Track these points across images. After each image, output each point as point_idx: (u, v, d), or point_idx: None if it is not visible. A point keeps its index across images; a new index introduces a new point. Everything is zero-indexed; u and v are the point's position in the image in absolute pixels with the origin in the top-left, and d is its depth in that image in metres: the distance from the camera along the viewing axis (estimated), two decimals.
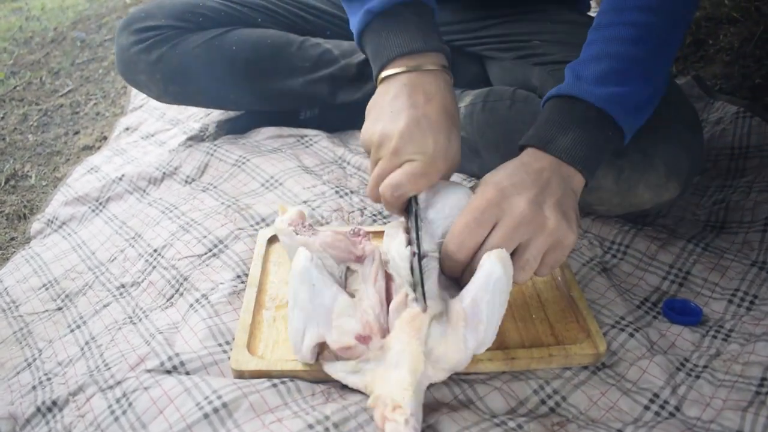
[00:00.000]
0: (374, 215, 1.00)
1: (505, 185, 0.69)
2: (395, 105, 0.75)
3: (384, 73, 0.78)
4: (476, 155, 1.06)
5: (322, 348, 0.70)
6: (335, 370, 0.68)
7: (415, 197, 0.75)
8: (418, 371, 0.64)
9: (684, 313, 0.82)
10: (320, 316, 0.68)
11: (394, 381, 0.63)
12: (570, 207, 0.71)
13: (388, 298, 0.71)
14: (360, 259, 0.76)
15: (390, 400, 0.61)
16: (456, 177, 1.10)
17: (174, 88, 1.23)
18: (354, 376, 0.67)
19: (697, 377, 0.73)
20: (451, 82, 0.80)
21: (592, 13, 1.67)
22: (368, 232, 0.80)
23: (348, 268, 0.77)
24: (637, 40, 0.76)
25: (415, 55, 0.77)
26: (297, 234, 0.77)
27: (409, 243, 0.72)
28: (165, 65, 1.20)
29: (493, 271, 0.66)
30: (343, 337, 0.67)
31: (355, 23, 0.82)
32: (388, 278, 0.74)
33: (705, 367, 0.75)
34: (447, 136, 0.74)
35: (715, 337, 0.79)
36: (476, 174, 1.10)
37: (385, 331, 0.68)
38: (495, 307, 0.66)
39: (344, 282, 0.76)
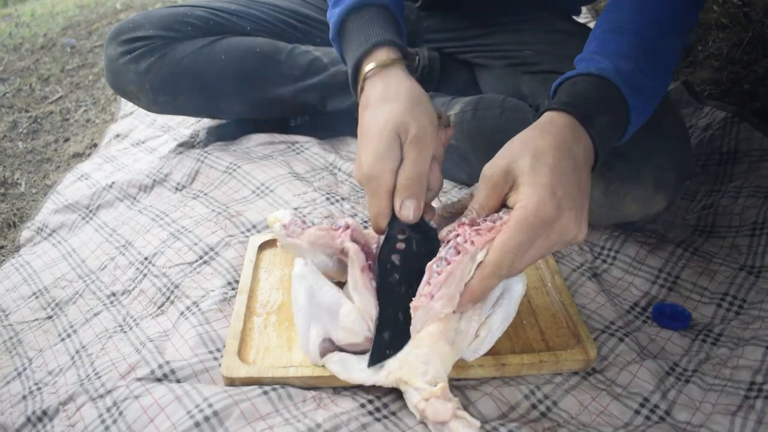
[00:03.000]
0: (365, 222, 1.01)
1: (559, 196, 0.65)
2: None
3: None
4: (466, 163, 1.06)
5: (324, 349, 0.72)
6: (335, 361, 0.70)
7: (390, 225, 0.74)
8: (447, 361, 0.68)
9: (673, 318, 0.82)
10: (322, 314, 0.71)
11: (423, 372, 0.66)
12: (587, 204, 0.69)
13: None
14: (344, 253, 0.77)
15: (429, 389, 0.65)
16: (446, 184, 1.11)
17: (163, 98, 1.23)
18: (363, 373, 0.69)
19: (687, 381, 0.74)
20: (405, 70, 0.81)
21: (582, 19, 1.68)
22: (349, 225, 0.80)
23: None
24: (652, 53, 0.77)
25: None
26: (288, 237, 0.80)
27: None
28: (154, 75, 1.20)
29: (520, 290, 0.72)
30: (351, 338, 0.70)
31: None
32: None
33: (694, 371, 0.75)
34: (378, 146, 0.74)
35: (704, 341, 0.80)
36: (466, 182, 1.10)
37: None
38: (506, 319, 0.71)
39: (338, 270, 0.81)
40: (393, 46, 0.81)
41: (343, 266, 0.80)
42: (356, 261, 0.74)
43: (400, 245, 0.74)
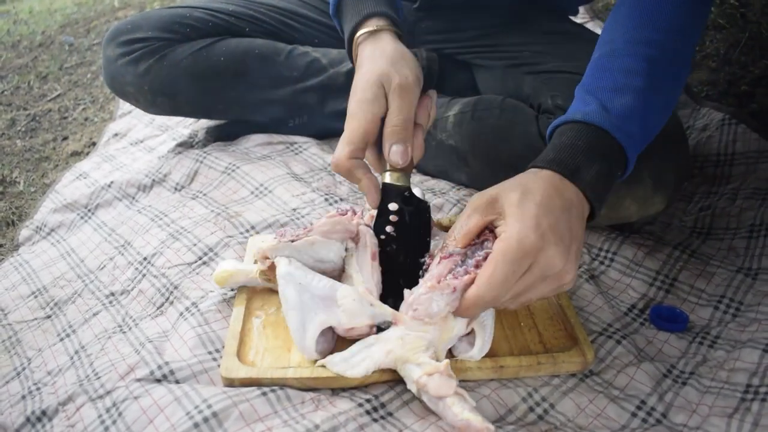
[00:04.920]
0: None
1: (544, 228, 0.65)
2: None
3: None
4: (465, 164, 1.06)
5: (323, 349, 0.73)
6: (336, 362, 0.71)
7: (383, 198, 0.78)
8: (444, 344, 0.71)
9: (671, 320, 0.82)
10: (317, 305, 0.72)
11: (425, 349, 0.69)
12: (581, 248, 0.70)
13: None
14: (356, 238, 0.79)
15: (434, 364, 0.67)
16: (445, 185, 1.11)
17: (162, 100, 1.23)
18: (361, 354, 0.70)
19: (684, 384, 0.74)
20: (394, 36, 0.84)
21: (580, 19, 1.68)
22: (356, 211, 0.82)
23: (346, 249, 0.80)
24: (653, 76, 0.75)
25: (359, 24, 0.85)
26: (293, 241, 0.78)
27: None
28: (153, 77, 1.20)
29: None
30: (352, 320, 0.71)
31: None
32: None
33: (691, 373, 0.76)
34: (362, 95, 0.77)
35: (701, 343, 0.80)
36: (464, 183, 1.10)
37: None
38: (491, 312, 0.73)
39: (342, 264, 0.80)
40: (384, 17, 0.84)
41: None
42: (369, 246, 0.77)
43: (394, 217, 0.78)
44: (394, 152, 0.76)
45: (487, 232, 0.70)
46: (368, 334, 0.72)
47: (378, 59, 0.79)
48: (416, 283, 0.72)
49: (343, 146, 0.76)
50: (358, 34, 0.84)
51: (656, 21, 0.76)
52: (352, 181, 0.77)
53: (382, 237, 0.78)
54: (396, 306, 0.72)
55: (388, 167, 0.79)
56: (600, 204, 0.72)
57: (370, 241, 0.77)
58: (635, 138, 0.73)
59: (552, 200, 0.67)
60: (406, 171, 0.79)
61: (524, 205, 0.67)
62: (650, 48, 0.76)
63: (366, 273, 0.75)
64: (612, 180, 0.73)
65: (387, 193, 0.78)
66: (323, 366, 0.71)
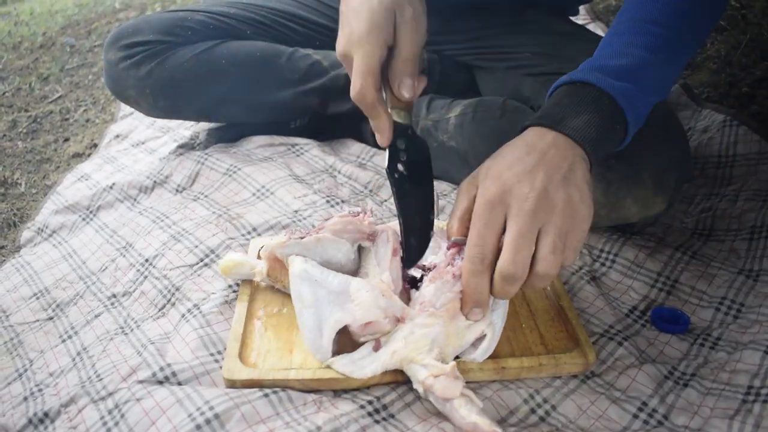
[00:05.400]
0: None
1: (505, 177, 0.66)
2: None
3: None
4: (466, 165, 1.06)
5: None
6: (344, 363, 0.71)
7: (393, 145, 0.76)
8: (450, 344, 0.71)
9: (672, 322, 0.83)
10: (333, 303, 0.71)
11: (428, 350, 0.69)
12: (580, 178, 0.68)
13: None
14: (372, 237, 0.79)
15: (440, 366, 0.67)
16: (446, 187, 1.11)
17: (164, 103, 1.23)
18: (369, 357, 0.70)
19: (685, 385, 0.74)
20: None
21: (581, 21, 1.69)
22: (366, 211, 0.82)
23: (360, 247, 0.81)
24: (654, 48, 0.76)
25: None
26: (302, 238, 0.79)
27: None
28: (154, 80, 1.20)
29: None
30: (367, 314, 0.70)
31: None
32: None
33: (693, 375, 0.76)
34: (375, 19, 0.73)
35: (702, 345, 0.80)
36: None
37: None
38: (504, 315, 0.73)
39: (358, 262, 0.80)
40: None
41: (356, 257, 0.81)
42: (391, 241, 0.77)
43: (403, 156, 0.77)
44: (406, 86, 0.74)
45: None
46: (385, 333, 0.71)
47: None
48: (431, 222, 0.75)
49: (366, 76, 0.72)
50: None
51: (662, 3, 0.77)
52: (370, 116, 0.74)
53: (396, 176, 0.76)
54: (419, 243, 0.75)
55: (390, 104, 0.76)
56: (593, 146, 0.70)
57: (392, 238, 0.77)
58: (629, 91, 0.73)
59: (518, 152, 0.69)
60: (408, 108, 0.77)
61: (492, 167, 0.69)
62: (655, 26, 0.77)
63: (384, 266, 0.75)
64: (607, 129, 0.73)
65: (394, 131, 0.76)
66: (329, 367, 0.71)
